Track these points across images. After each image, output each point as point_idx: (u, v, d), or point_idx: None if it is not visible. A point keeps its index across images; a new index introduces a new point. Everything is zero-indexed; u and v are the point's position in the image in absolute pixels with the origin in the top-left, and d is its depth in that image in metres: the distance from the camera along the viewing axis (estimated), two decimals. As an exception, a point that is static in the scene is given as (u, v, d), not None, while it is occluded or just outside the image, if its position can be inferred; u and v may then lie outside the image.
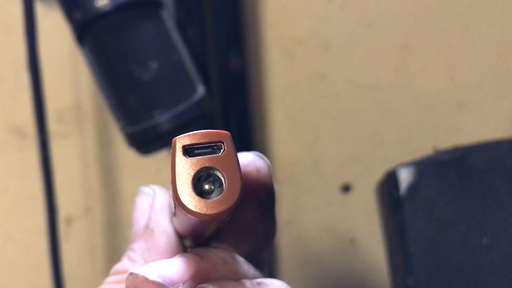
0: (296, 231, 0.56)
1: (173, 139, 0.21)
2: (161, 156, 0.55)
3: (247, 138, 0.53)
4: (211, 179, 0.21)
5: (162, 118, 0.43)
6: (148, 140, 0.45)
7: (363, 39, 0.53)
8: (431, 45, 0.53)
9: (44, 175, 0.46)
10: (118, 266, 0.27)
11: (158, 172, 0.55)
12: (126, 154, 0.55)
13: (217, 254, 0.24)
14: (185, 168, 0.21)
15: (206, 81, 0.48)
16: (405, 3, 0.53)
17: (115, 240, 0.57)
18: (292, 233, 0.56)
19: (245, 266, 0.25)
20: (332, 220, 0.56)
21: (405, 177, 0.41)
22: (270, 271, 0.30)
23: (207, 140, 0.21)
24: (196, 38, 0.50)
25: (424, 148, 0.51)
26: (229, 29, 0.51)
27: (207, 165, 0.21)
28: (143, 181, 0.56)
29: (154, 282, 0.23)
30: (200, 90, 0.46)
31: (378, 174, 0.45)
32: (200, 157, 0.21)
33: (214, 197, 0.21)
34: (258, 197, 0.25)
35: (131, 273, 0.23)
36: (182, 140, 0.21)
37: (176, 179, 0.21)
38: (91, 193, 0.56)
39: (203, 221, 0.21)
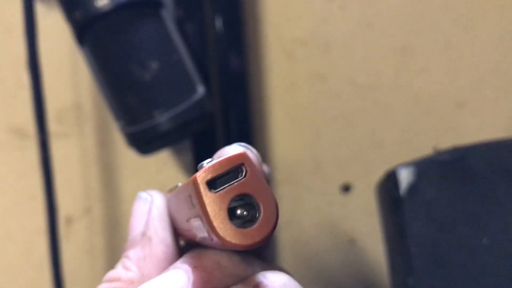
0: (296, 231, 0.56)
1: (193, 177, 0.20)
2: (161, 156, 0.55)
3: (247, 138, 0.53)
4: (243, 205, 0.20)
5: (162, 118, 0.43)
6: (148, 140, 0.45)
7: (363, 39, 0.53)
8: (431, 45, 0.53)
9: (44, 175, 0.46)
10: (111, 274, 0.27)
11: (158, 172, 0.55)
12: (126, 154, 0.55)
13: (212, 259, 0.24)
14: (216, 202, 0.20)
15: (206, 81, 0.48)
16: (405, 3, 0.53)
17: (115, 240, 0.57)
18: (292, 233, 0.56)
19: (242, 265, 0.24)
20: (332, 220, 0.56)
21: (405, 177, 0.41)
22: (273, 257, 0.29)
23: (228, 168, 0.20)
24: (196, 38, 0.50)
25: (424, 148, 0.51)
26: (229, 29, 0.51)
27: (237, 193, 0.20)
28: (143, 181, 0.56)
29: None
30: (200, 90, 0.46)
31: (378, 174, 0.45)
32: (227, 187, 0.20)
33: (251, 221, 0.20)
34: None
35: None
36: (203, 176, 0.20)
37: (210, 216, 0.20)
38: (91, 193, 0.56)
39: (239, 249, 0.20)
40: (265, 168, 0.26)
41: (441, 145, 0.50)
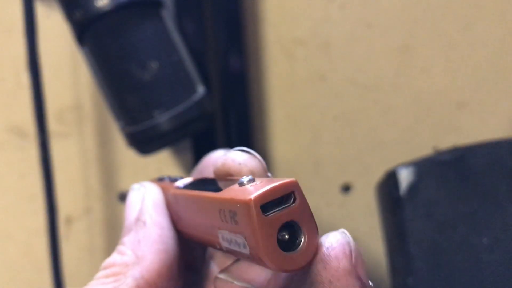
0: (296, 231, 0.56)
1: (248, 200, 0.21)
2: (161, 156, 0.55)
3: (247, 138, 0.53)
4: (289, 231, 0.21)
5: (162, 118, 0.43)
6: (148, 140, 0.45)
7: (363, 39, 0.53)
8: (431, 45, 0.53)
9: (44, 175, 0.46)
10: (107, 261, 0.27)
11: (158, 172, 0.55)
12: (126, 154, 0.55)
13: (264, 275, 0.24)
14: (266, 226, 0.21)
15: (206, 81, 0.48)
16: (405, 3, 0.53)
17: (115, 240, 0.57)
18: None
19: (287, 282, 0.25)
20: (332, 220, 0.56)
21: (405, 177, 0.41)
22: None
23: (280, 195, 0.21)
24: (196, 38, 0.50)
25: (424, 148, 0.51)
26: (229, 29, 0.51)
27: (287, 220, 0.21)
28: (143, 181, 0.55)
29: None
30: (200, 90, 0.46)
31: (378, 174, 0.45)
32: (278, 212, 0.21)
33: (296, 247, 0.21)
34: None
35: (217, 277, 0.23)
36: (258, 200, 0.21)
37: (260, 240, 0.21)
38: (91, 193, 0.56)
39: (280, 272, 0.22)
40: (269, 174, 0.26)
41: (441, 145, 0.50)
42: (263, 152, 0.55)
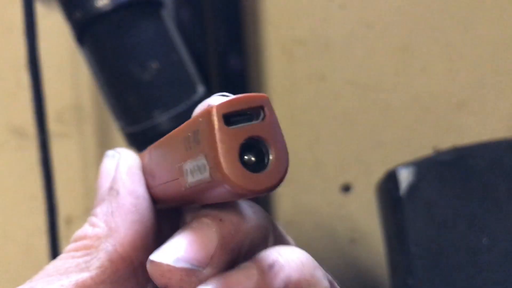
0: (296, 231, 0.56)
1: (209, 106, 0.19)
2: (161, 156, 0.55)
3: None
4: (256, 149, 0.19)
5: (162, 118, 0.43)
6: (148, 140, 0.45)
7: (363, 39, 0.53)
8: (431, 45, 0.53)
9: (44, 175, 0.46)
10: (77, 233, 0.24)
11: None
12: (126, 154, 0.55)
13: (235, 210, 0.22)
14: (228, 139, 0.18)
15: (206, 81, 0.48)
16: (405, 3, 0.53)
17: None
18: (292, 233, 0.56)
19: (264, 218, 0.23)
20: (332, 220, 0.56)
21: (405, 177, 0.41)
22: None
23: (247, 107, 0.19)
24: (196, 38, 0.50)
25: (424, 148, 0.51)
26: (229, 29, 0.51)
27: (252, 134, 0.19)
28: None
29: (182, 270, 0.20)
30: (200, 90, 0.46)
31: (378, 174, 0.45)
32: (243, 125, 0.19)
33: (262, 167, 0.19)
34: None
35: (151, 261, 0.21)
36: (220, 107, 0.19)
37: (219, 153, 0.18)
38: (91, 193, 0.56)
39: (246, 195, 0.19)
40: None
41: (441, 145, 0.50)
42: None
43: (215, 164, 0.18)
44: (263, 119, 0.19)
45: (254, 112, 0.19)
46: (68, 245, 0.25)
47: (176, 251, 0.21)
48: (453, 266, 0.39)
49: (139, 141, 0.45)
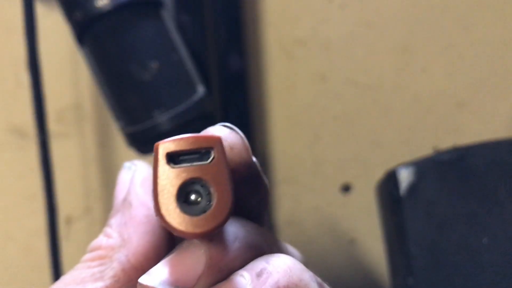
0: (296, 231, 0.56)
1: (156, 144, 0.19)
2: (161, 156, 0.55)
3: (246, 138, 0.53)
4: (198, 190, 0.19)
5: (162, 118, 0.43)
6: (148, 140, 0.45)
7: (363, 39, 0.53)
8: (431, 45, 0.53)
9: (44, 175, 0.46)
10: (93, 244, 0.26)
11: (158, 172, 0.55)
12: (126, 154, 0.55)
13: (230, 230, 0.22)
14: (169, 178, 0.18)
15: (206, 81, 0.48)
16: (405, 3, 0.53)
17: (115, 240, 0.57)
18: (292, 233, 0.56)
19: (257, 236, 0.23)
20: (332, 220, 0.56)
21: (405, 177, 0.41)
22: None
23: (194, 147, 0.19)
24: (196, 38, 0.50)
25: (424, 148, 0.51)
26: (229, 29, 0.51)
27: (194, 176, 0.19)
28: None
29: None
30: (200, 90, 0.46)
31: (378, 174, 0.45)
32: (186, 166, 0.19)
33: (201, 210, 0.19)
34: (239, 176, 0.22)
35: (139, 283, 0.21)
36: (165, 146, 0.19)
37: (158, 191, 0.18)
38: (91, 193, 0.56)
39: (186, 236, 0.19)
40: (253, 158, 0.24)
41: (441, 145, 0.50)
42: (263, 152, 0.55)
43: (154, 203, 0.19)
44: (211, 161, 0.19)
45: (205, 152, 0.19)
46: (84, 255, 0.26)
47: (162, 274, 0.21)
48: (453, 266, 0.39)
49: (139, 141, 0.45)
